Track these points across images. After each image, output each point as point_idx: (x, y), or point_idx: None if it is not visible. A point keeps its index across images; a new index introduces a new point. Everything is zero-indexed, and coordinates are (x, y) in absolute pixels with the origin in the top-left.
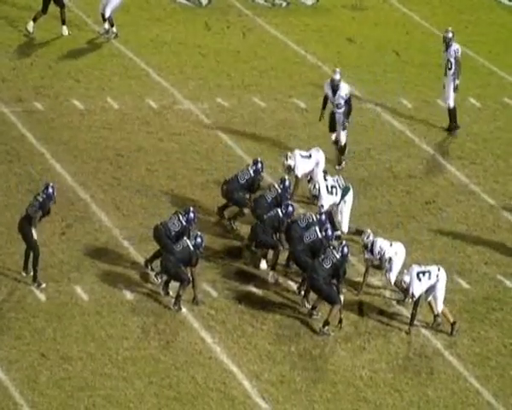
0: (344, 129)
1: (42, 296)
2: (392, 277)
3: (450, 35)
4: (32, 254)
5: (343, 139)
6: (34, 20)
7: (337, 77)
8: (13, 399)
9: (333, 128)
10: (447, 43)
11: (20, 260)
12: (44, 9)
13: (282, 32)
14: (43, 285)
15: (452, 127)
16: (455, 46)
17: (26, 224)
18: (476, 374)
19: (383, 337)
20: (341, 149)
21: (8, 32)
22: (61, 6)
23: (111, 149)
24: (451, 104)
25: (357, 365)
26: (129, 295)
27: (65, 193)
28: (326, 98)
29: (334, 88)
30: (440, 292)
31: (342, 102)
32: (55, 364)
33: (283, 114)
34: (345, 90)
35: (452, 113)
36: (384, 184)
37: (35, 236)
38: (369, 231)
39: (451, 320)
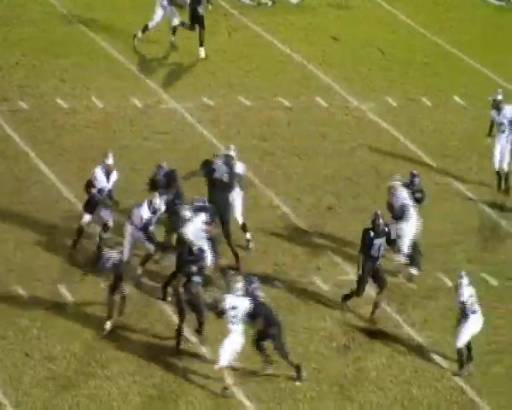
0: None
1: (26, 295)
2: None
3: (500, 97)
4: None
5: None
6: (201, 44)
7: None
8: None
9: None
10: (498, 106)
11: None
12: (192, 26)
13: (268, 31)
14: None
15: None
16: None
17: None
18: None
19: (367, 336)
20: None
21: None
22: (202, 27)
23: (96, 149)
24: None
25: (342, 363)
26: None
27: (49, 192)
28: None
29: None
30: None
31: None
32: (39, 363)
33: (268, 112)
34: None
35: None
36: (369, 183)
37: None
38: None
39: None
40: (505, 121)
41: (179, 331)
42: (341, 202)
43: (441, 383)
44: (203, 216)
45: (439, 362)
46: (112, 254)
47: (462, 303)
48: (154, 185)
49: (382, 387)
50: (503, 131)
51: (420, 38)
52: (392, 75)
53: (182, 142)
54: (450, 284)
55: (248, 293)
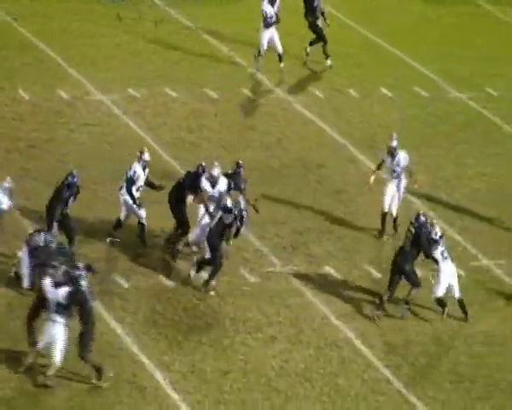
0: None
1: None
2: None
3: (395, 143)
4: None
5: None
6: (326, 56)
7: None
8: None
9: None
10: (392, 153)
11: None
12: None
13: (194, 22)
14: None
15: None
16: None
17: None
18: (387, 363)
19: (294, 327)
20: None
21: None
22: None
23: (22, 140)
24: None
25: (269, 355)
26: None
27: None
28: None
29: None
30: None
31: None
32: None
33: (195, 104)
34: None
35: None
36: (295, 175)
37: None
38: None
39: None
40: (398, 169)
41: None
42: (266, 192)
43: (368, 374)
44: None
45: (366, 353)
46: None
47: (436, 242)
48: None
49: (309, 378)
50: (395, 178)
51: (346, 30)
52: (318, 67)
53: (108, 134)
54: (377, 275)
55: (71, 278)
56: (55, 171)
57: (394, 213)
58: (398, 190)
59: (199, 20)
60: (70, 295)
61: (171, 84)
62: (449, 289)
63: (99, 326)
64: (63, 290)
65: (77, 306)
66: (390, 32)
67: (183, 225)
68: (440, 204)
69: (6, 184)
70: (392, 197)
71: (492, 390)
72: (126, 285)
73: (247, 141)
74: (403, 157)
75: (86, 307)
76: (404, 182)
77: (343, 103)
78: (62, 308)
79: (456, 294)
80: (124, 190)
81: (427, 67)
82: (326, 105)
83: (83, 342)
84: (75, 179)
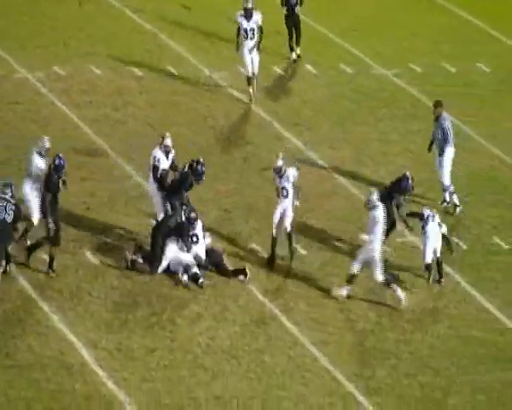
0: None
1: None
2: None
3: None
4: None
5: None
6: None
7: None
8: None
9: None
10: (279, 171)
11: None
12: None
13: (119, 0)
14: None
15: None
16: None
17: None
18: (313, 340)
19: (220, 305)
20: None
21: None
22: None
23: None
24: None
25: (195, 332)
26: None
27: None
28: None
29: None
30: None
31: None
32: None
33: (120, 81)
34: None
35: None
36: (222, 152)
37: None
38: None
39: None
40: (287, 185)
41: None
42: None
43: (294, 350)
44: None
45: (292, 330)
46: None
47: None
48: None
49: (235, 355)
50: (285, 196)
51: (271, 6)
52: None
53: (34, 111)
54: (302, 252)
55: None
56: None
57: (288, 229)
58: (289, 206)
59: None
60: None
61: (95, 61)
62: (434, 252)
63: (26, 305)
64: None
65: None
66: (315, 9)
67: None
68: (365, 181)
69: (167, 142)
70: (282, 214)
71: (419, 367)
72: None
73: (172, 118)
74: (292, 173)
75: None
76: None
77: (268, 80)
78: None
79: (438, 254)
80: (151, 180)
81: (351, 44)
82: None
83: None
84: (62, 162)
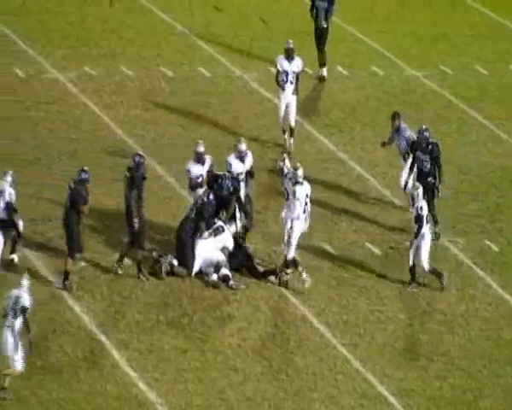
0: None
1: None
2: None
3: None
4: None
5: None
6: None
7: None
8: None
9: None
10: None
11: None
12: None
13: (149, 0)
14: None
15: None
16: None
17: None
18: (344, 342)
19: (251, 306)
20: None
21: None
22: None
23: None
24: None
25: (226, 333)
26: None
27: None
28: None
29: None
30: None
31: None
32: None
33: (151, 82)
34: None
35: None
36: (251, 153)
37: None
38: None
39: None
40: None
41: None
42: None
43: (325, 352)
44: None
45: (324, 332)
46: None
47: (421, 209)
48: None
49: (267, 357)
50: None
51: (302, 8)
52: (274, 45)
53: (65, 112)
54: (334, 253)
55: None
56: (11, 149)
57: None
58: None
59: None
60: None
61: (126, 62)
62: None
63: (57, 305)
64: None
65: None
66: (346, 10)
67: None
68: (396, 182)
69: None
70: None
71: (450, 369)
72: (83, 263)
73: (203, 119)
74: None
75: None
76: None
77: (300, 81)
78: None
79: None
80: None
81: (382, 46)
82: None
83: None
84: (87, 175)
